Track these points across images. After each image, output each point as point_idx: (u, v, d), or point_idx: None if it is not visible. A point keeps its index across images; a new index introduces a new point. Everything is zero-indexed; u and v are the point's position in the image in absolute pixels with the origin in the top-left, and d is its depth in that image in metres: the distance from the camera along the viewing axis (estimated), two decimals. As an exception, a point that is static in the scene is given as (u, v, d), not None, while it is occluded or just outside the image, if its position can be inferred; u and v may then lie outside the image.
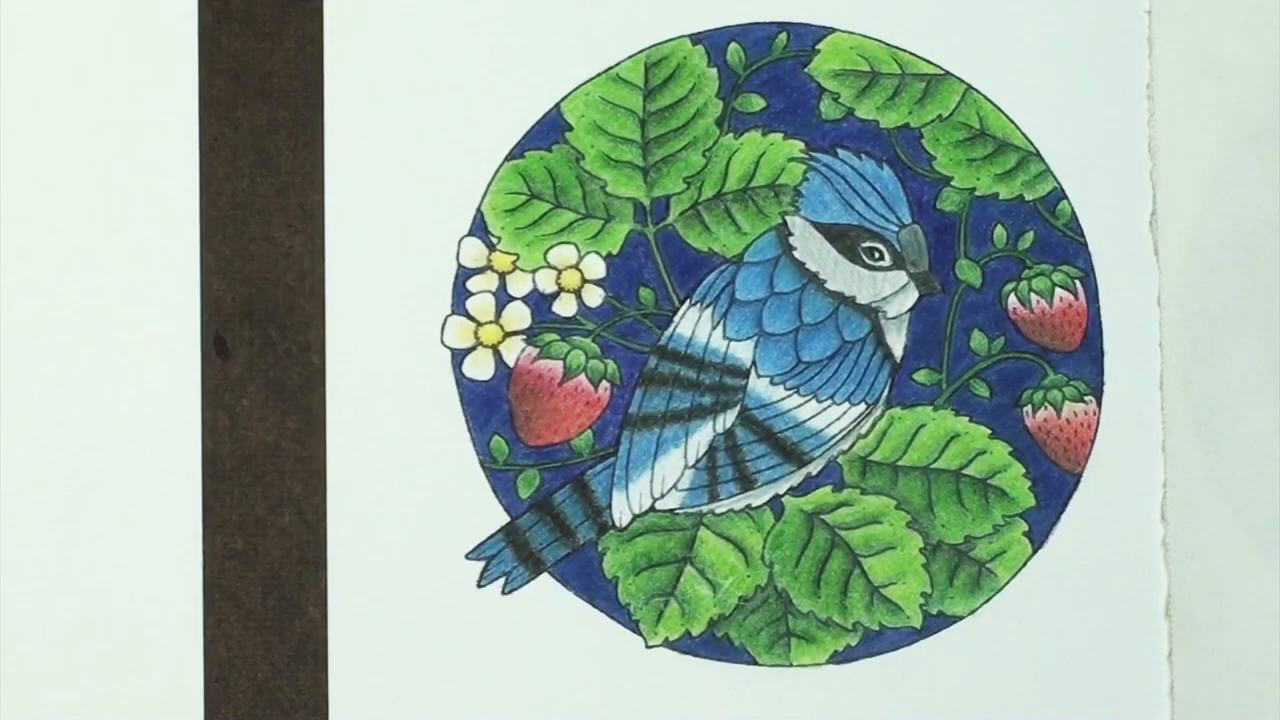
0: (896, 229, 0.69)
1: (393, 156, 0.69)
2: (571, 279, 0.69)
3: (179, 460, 0.68)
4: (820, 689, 0.69)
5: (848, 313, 0.69)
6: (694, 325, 0.69)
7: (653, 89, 0.70)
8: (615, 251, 0.69)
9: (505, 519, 0.68)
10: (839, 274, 0.69)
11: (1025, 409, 0.70)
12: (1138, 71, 0.71)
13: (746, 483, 0.69)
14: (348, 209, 0.69)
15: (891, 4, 0.70)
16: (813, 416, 0.69)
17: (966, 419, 0.70)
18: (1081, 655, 0.69)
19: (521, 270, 0.69)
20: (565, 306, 0.69)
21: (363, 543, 0.68)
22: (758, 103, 0.70)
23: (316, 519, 0.68)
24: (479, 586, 0.68)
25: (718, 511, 0.69)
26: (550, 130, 0.70)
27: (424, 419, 0.68)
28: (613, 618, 0.69)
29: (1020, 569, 0.69)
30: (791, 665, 0.69)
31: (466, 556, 0.68)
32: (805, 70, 0.70)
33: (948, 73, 0.70)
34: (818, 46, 0.70)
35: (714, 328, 0.69)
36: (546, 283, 0.69)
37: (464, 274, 0.69)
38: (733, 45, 0.70)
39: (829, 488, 0.69)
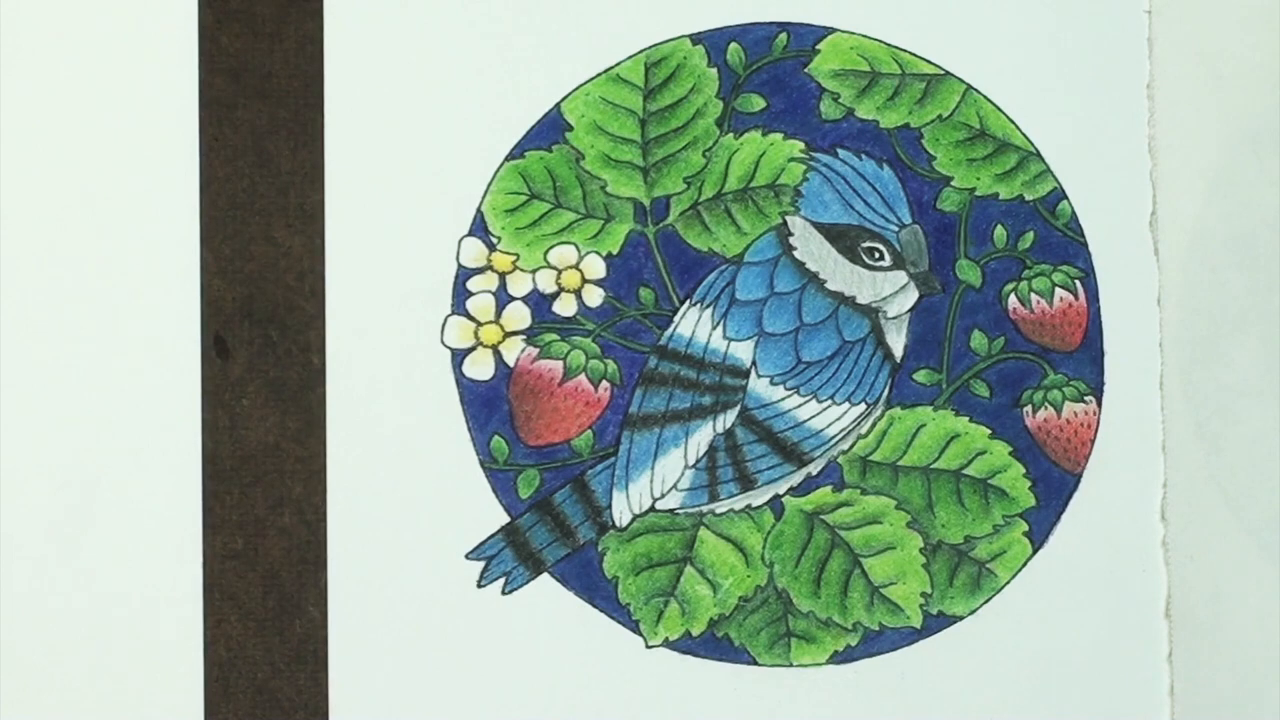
0: (896, 229, 0.69)
1: (393, 156, 0.69)
2: (571, 279, 0.69)
3: (179, 460, 0.68)
4: (820, 689, 0.69)
5: (848, 313, 0.69)
6: (694, 325, 0.69)
7: (653, 89, 0.70)
8: (615, 251, 0.69)
9: (505, 519, 0.68)
10: (839, 274, 0.69)
11: (1025, 409, 0.70)
12: (1138, 71, 0.71)
13: (746, 483, 0.69)
14: (348, 209, 0.69)
15: (891, 4, 0.70)
16: (813, 416, 0.69)
17: (966, 419, 0.70)
18: (1081, 655, 0.69)
19: (521, 270, 0.69)
20: (565, 306, 0.69)
21: (363, 543, 0.68)
22: (758, 103, 0.70)
23: (316, 519, 0.68)
24: (479, 586, 0.68)
25: (718, 511, 0.69)
26: (550, 130, 0.70)
27: (424, 419, 0.68)
28: (613, 618, 0.69)
29: (1020, 569, 0.69)
30: (791, 665, 0.69)
31: (466, 556, 0.68)
32: (805, 70, 0.70)
33: (948, 73, 0.70)
34: (818, 46, 0.70)
35: (714, 328, 0.69)
36: (546, 283, 0.69)
37: (464, 274, 0.69)
38: (733, 45, 0.70)
39: (829, 488, 0.69)
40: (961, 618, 0.69)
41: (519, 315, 0.69)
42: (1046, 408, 0.70)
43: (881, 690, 0.69)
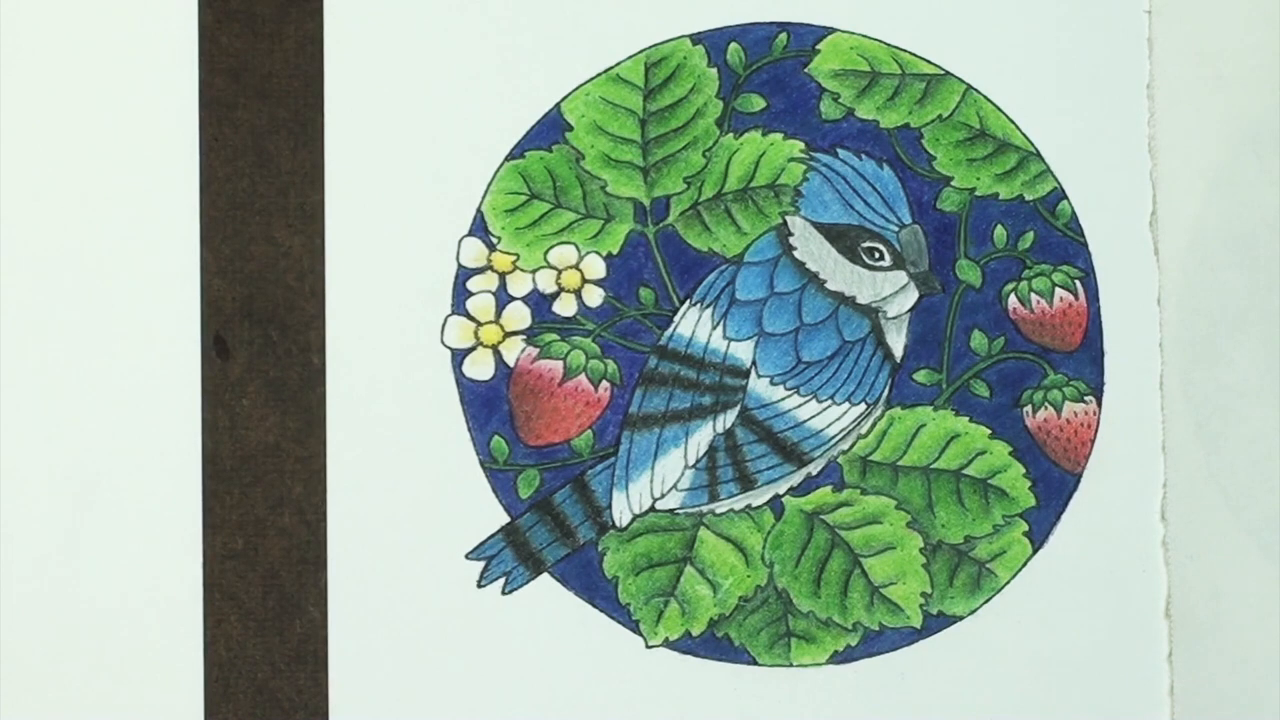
0: (896, 229, 0.69)
1: (393, 156, 0.69)
2: (571, 279, 0.69)
3: (179, 460, 0.68)
4: (820, 689, 0.69)
5: (848, 313, 0.69)
6: (694, 325, 0.69)
7: (653, 89, 0.70)
8: (615, 251, 0.69)
9: (505, 519, 0.68)
10: (839, 274, 0.69)
11: (1025, 409, 0.70)
12: (1138, 71, 0.71)
13: (746, 483, 0.69)
14: (348, 209, 0.69)
15: (891, 4, 0.70)
16: (813, 416, 0.69)
17: (966, 419, 0.70)
18: (1081, 655, 0.69)
19: (521, 270, 0.69)
20: (565, 306, 0.69)
21: (363, 543, 0.68)
22: (758, 103, 0.70)
23: (316, 519, 0.68)
24: (479, 586, 0.68)
25: (718, 511, 0.69)
26: (550, 130, 0.70)
27: (424, 419, 0.68)
28: (613, 618, 0.69)
29: (1020, 569, 0.69)
30: (791, 665, 0.69)
31: (466, 556, 0.68)
32: (805, 70, 0.70)
33: (948, 73, 0.70)
34: (818, 46, 0.70)
35: (714, 328, 0.69)
36: (546, 283, 0.69)
37: (464, 274, 0.69)
38: (733, 45, 0.70)
39: (829, 488, 0.69)
40: (961, 618, 0.69)
41: (519, 315, 0.69)
42: (1046, 408, 0.70)
43: (881, 690, 0.69)
